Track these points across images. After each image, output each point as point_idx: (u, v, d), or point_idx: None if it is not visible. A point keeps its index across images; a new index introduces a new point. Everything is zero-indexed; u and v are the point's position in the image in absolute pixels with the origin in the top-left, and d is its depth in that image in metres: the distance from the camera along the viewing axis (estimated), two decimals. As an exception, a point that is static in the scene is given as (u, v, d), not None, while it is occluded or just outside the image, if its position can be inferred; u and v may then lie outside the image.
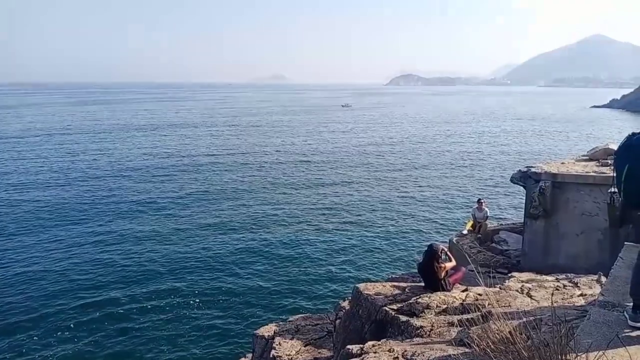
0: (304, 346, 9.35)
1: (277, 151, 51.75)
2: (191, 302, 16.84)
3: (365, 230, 24.71)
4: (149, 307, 16.53)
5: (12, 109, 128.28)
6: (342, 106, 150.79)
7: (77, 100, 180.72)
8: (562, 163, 14.98)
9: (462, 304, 6.82)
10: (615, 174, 4.37)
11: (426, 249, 8.24)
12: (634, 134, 4.29)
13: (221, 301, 17.03)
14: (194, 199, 30.98)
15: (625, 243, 6.29)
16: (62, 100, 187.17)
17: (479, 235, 17.18)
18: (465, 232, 17.42)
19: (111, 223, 25.65)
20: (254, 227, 25.28)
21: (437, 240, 21.01)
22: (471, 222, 17.59)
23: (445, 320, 6.45)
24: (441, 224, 25.88)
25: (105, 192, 32.44)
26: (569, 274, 10.13)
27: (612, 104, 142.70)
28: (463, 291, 7.63)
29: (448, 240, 17.74)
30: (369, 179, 37.45)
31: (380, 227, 25.32)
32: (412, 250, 21.66)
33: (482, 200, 18.20)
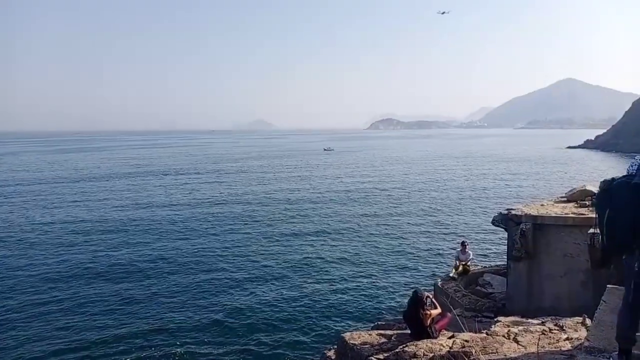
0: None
1: (258, 196, 51.58)
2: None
3: (349, 277, 24.37)
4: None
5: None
6: (325, 150, 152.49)
7: (59, 149, 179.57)
8: (542, 205, 15.22)
9: (449, 351, 6.74)
10: (597, 218, 4.45)
11: (411, 296, 8.16)
12: (613, 179, 4.40)
13: (202, 353, 16.44)
14: (168, 248, 30.32)
15: (608, 286, 6.34)
16: (43, 149, 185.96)
17: (458, 275, 17.17)
18: (451, 275, 17.41)
19: (87, 278, 24.97)
20: (233, 276, 24.79)
21: (422, 285, 20.89)
22: (456, 265, 17.59)
23: (432, 370, 6.35)
24: (425, 268, 25.72)
25: (82, 246, 31.70)
26: (554, 317, 10.10)
27: (587, 144, 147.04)
28: (450, 338, 7.55)
29: (433, 285, 17.67)
30: (350, 223, 37.31)
31: (363, 272, 25.01)
32: (397, 295, 21.40)
33: (466, 243, 18.29)
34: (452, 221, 37.79)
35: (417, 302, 7.91)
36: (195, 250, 29.70)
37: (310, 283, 23.43)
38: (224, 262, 27.07)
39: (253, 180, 67.45)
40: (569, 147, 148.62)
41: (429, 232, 34.24)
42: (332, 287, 22.83)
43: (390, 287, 22.72)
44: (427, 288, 19.51)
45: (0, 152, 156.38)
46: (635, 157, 4.50)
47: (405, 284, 22.78)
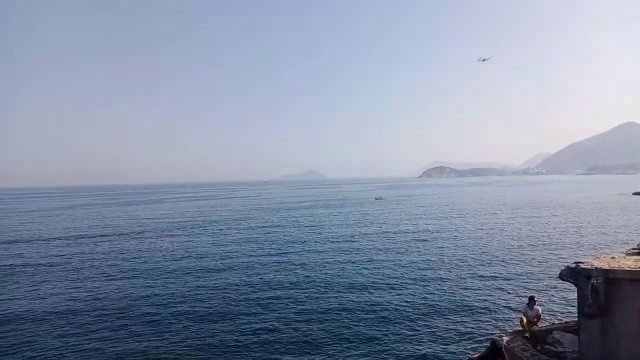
0: None
1: (309, 245, 51.83)
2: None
3: (403, 332, 23.74)
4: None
5: (58, 211, 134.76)
6: (376, 199, 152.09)
7: (117, 202, 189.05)
8: (612, 258, 14.55)
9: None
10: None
11: (489, 346, 8.00)
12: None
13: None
14: (225, 298, 30.93)
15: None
16: (100, 201, 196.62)
17: (525, 332, 16.38)
18: (518, 331, 16.69)
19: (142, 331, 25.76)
20: (291, 329, 24.78)
21: (485, 343, 20.04)
22: (523, 322, 16.86)
23: None
24: (488, 324, 24.65)
25: (137, 293, 32.96)
26: (635, 380, 9.53)
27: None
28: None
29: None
30: (404, 274, 36.54)
31: (418, 328, 24.23)
32: (457, 354, 20.56)
33: (534, 298, 17.57)
34: (515, 274, 36.23)
35: (496, 352, 7.75)
36: (247, 298, 30.09)
37: (367, 335, 23.03)
38: (266, 310, 27.22)
39: (307, 229, 67.89)
40: (635, 194, 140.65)
41: (490, 285, 32.91)
42: (385, 341, 22.29)
43: (449, 346, 21.88)
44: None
45: (68, 205, 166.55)
46: None
47: (467, 344, 21.88)
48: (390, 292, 31.27)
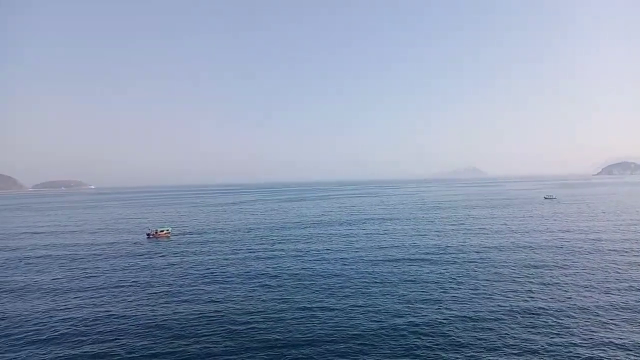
0: None
1: (469, 248, 49.82)
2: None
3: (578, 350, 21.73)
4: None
5: (240, 205, 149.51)
6: (545, 198, 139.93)
7: (286, 198, 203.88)
8: None
9: None
10: None
11: None
12: None
13: None
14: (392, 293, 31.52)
15: None
16: (271, 197, 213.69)
17: None
18: None
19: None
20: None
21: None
22: None
23: None
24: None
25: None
26: None
27: None
28: None
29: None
30: (581, 286, 33.10)
31: (598, 346, 21.95)
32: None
33: None
34: None
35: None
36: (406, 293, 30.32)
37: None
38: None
39: (468, 231, 65.46)
40: None
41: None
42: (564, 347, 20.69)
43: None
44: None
45: (242, 200, 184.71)
46: None
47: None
48: (574, 315, 28.77)
